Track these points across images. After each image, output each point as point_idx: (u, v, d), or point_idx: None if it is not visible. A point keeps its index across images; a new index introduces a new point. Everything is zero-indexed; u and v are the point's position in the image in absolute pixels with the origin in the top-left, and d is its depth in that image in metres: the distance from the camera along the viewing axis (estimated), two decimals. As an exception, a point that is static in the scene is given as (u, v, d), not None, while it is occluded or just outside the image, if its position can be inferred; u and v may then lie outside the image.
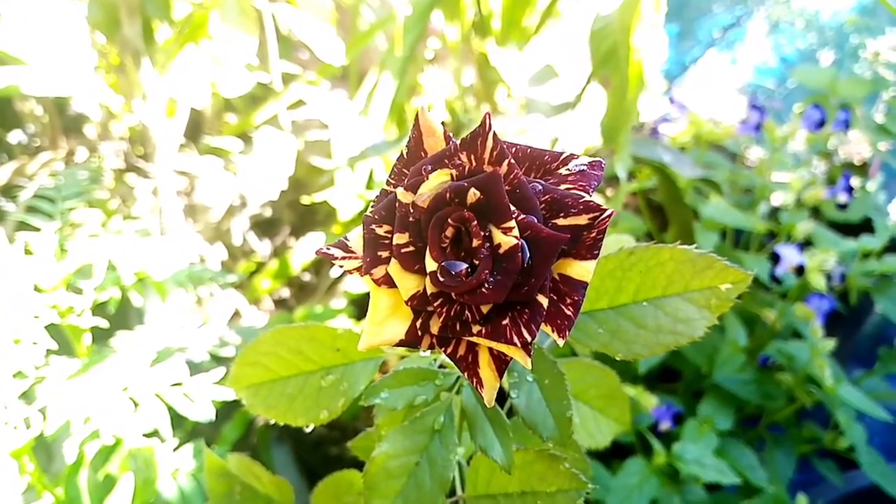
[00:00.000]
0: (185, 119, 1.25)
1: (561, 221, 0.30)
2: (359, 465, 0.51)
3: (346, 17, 1.40)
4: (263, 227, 1.55)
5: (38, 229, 0.92)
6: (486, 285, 0.29)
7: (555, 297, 0.31)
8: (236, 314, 1.35)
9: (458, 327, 0.30)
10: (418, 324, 0.31)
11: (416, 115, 0.32)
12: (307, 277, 1.50)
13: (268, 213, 1.54)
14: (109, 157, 1.43)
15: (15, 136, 1.46)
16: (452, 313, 0.30)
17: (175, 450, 0.84)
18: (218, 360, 1.01)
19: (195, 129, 1.47)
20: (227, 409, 1.04)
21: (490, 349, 0.32)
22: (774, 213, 1.29)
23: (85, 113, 1.45)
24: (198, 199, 1.41)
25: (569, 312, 0.31)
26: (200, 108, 1.43)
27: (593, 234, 0.30)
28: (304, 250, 1.35)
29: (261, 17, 1.13)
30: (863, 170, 1.53)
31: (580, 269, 0.31)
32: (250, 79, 1.25)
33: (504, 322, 0.30)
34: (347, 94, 1.46)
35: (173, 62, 1.14)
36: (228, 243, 1.46)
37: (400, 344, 0.31)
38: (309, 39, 1.12)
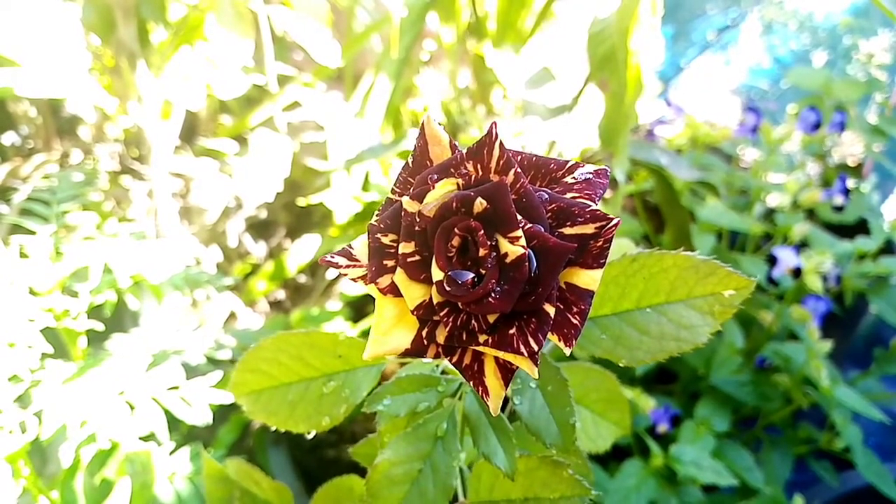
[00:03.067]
0: (180, 121, 1.25)
1: (567, 230, 0.30)
2: (356, 468, 0.50)
3: (341, 19, 1.40)
4: (259, 228, 1.54)
5: (33, 232, 0.92)
6: (493, 295, 0.29)
7: (561, 306, 0.31)
8: (232, 316, 1.34)
9: (464, 337, 0.30)
10: (424, 333, 0.31)
11: (422, 124, 0.32)
12: (303, 279, 1.49)
13: (263, 214, 1.54)
14: (104, 159, 1.42)
15: (9, 138, 1.46)
16: (459, 323, 0.30)
17: (172, 453, 0.84)
18: (214, 362, 1.00)
19: (190, 131, 1.47)
20: (223, 412, 1.03)
21: (496, 358, 0.31)
22: (770, 214, 1.29)
23: (79, 115, 1.44)
24: (193, 201, 1.40)
25: (575, 321, 0.31)
26: (196, 110, 1.42)
27: (600, 243, 0.30)
28: (299, 252, 1.35)
29: (256, 19, 1.12)
30: (857, 171, 1.54)
31: (587, 278, 0.31)
32: (246, 81, 1.24)
33: (511, 331, 0.30)
34: (343, 95, 1.46)
35: (168, 64, 1.14)
36: (224, 245, 1.46)
37: (406, 353, 0.31)
38: (304, 41, 1.11)
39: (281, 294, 1.49)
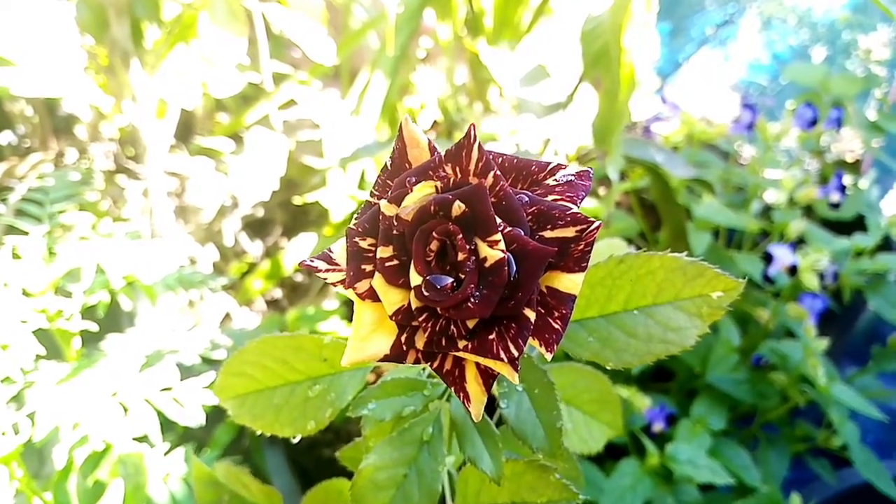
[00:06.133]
0: (175, 120, 1.24)
1: (548, 234, 0.30)
2: (350, 471, 0.50)
3: (337, 16, 1.39)
4: (255, 227, 1.54)
5: (26, 233, 0.91)
6: (472, 300, 0.29)
7: (542, 311, 0.30)
8: (228, 316, 1.34)
9: (443, 342, 0.30)
10: (403, 338, 0.31)
11: (400, 125, 0.32)
12: (299, 278, 1.49)
13: (259, 213, 1.54)
14: (99, 158, 1.42)
15: (5, 137, 1.45)
16: (438, 328, 0.30)
17: (166, 454, 0.84)
18: (209, 363, 1.00)
19: (186, 130, 1.46)
20: (219, 412, 1.03)
21: (477, 363, 0.31)
22: (767, 211, 1.29)
23: (75, 114, 1.44)
24: (189, 200, 1.40)
25: (557, 326, 0.30)
26: (191, 109, 1.42)
27: (581, 247, 0.30)
28: (296, 251, 1.34)
29: (251, 17, 1.12)
30: (855, 167, 1.53)
31: (568, 282, 0.30)
32: (241, 79, 1.24)
33: (490, 337, 0.29)
34: (339, 93, 1.45)
35: (163, 63, 1.13)
36: (220, 244, 1.45)
37: (385, 359, 0.31)
38: (300, 39, 1.11)
39: (278, 293, 1.49)
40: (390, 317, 0.30)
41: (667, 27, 1.96)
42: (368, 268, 0.31)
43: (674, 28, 1.98)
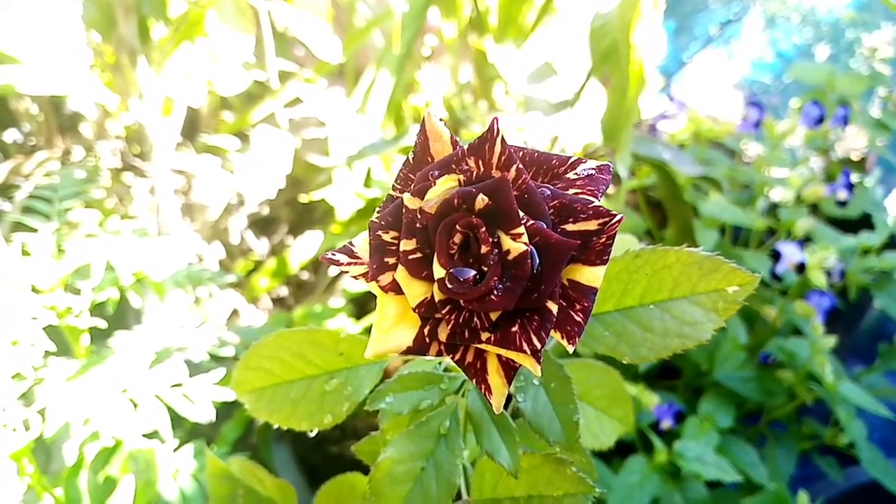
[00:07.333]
0: (181, 117, 1.25)
1: (570, 227, 0.30)
2: (359, 464, 0.50)
3: (342, 14, 1.39)
4: (261, 225, 1.54)
5: (35, 230, 0.92)
6: (495, 292, 0.29)
7: (564, 304, 0.30)
8: (235, 313, 1.34)
9: (466, 334, 0.30)
10: (426, 331, 0.31)
11: (423, 119, 0.32)
12: (305, 276, 1.49)
13: (265, 211, 1.54)
14: (106, 156, 1.42)
15: (11, 135, 1.46)
16: (461, 320, 0.30)
17: (175, 450, 0.84)
18: (217, 359, 1.00)
19: (192, 128, 1.47)
20: (226, 409, 1.03)
21: (499, 356, 0.31)
22: (773, 209, 1.29)
23: (81, 112, 1.44)
24: (195, 198, 1.40)
25: (578, 318, 0.30)
26: (197, 107, 1.42)
27: (603, 240, 0.30)
28: (302, 249, 1.34)
29: (257, 15, 1.12)
30: (860, 165, 1.53)
31: (590, 275, 0.30)
32: (247, 77, 1.24)
33: (513, 329, 0.30)
34: (345, 91, 1.45)
35: (169, 60, 1.13)
36: (226, 242, 1.46)
37: (408, 351, 0.31)
38: (305, 37, 1.11)
39: (284, 291, 1.49)
40: (413, 309, 0.30)
41: (671, 26, 1.96)
42: (391, 261, 0.31)
43: (678, 27, 1.98)
